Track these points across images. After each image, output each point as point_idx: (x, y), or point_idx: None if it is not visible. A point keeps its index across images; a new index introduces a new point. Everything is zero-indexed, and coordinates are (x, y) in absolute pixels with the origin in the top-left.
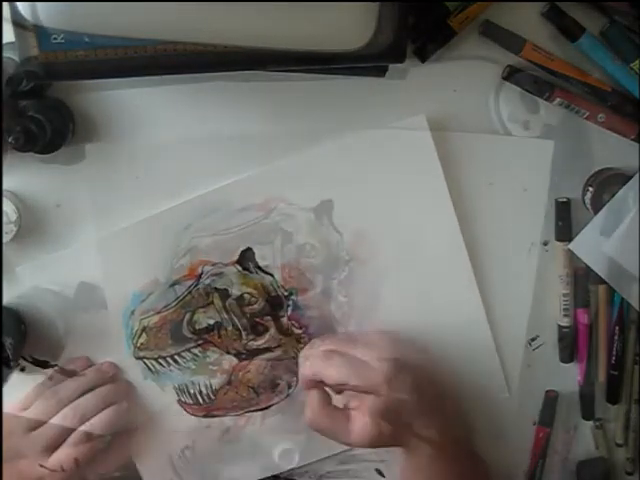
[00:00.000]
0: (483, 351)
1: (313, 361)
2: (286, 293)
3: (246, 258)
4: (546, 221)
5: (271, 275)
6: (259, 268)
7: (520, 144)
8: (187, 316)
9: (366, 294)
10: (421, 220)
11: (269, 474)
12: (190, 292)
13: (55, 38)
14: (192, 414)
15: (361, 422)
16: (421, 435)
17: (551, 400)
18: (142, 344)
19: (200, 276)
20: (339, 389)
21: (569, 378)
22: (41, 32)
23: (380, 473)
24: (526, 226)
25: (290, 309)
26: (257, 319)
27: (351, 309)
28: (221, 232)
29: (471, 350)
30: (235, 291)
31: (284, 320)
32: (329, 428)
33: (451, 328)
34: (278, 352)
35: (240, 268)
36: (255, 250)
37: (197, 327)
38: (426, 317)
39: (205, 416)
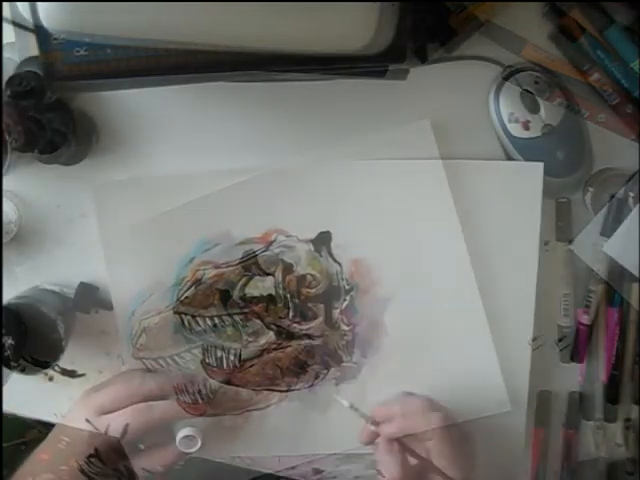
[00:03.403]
0: (484, 356)
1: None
2: (347, 287)
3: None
4: (546, 221)
5: (339, 265)
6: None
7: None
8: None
9: (368, 322)
10: (425, 244)
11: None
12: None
13: (55, 38)
14: (212, 377)
15: None
16: None
17: (544, 400)
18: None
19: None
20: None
21: (569, 378)
22: (41, 32)
23: (380, 473)
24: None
25: (345, 304)
26: (310, 304)
27: (354, 337)
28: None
29: (472, 356)
30: (300, 270)
31: (336, 313)
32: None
33: (455, 347)
34: (318, 342)
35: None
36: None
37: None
38: (430, 341)
39: (222, 381)
